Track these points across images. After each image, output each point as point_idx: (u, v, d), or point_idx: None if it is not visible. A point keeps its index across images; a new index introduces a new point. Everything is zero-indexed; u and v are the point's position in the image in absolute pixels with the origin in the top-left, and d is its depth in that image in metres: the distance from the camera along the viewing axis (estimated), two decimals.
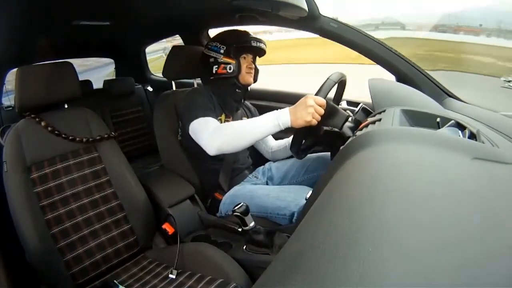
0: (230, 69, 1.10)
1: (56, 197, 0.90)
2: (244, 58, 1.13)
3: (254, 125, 0.89)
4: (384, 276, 0.22)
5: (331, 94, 0.99)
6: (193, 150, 1.05)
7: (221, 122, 1.11)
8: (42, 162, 0.90)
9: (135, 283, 0.87)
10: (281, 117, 0.85)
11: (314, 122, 0.83)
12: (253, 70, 1.15)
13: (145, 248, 1.02)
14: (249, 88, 1.18)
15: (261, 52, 1.16)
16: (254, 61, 1.17)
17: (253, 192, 1.02)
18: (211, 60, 1.13)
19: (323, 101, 0.83)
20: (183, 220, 1.02)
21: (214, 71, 1.12)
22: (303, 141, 0.96)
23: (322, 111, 0.83)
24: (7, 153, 0.87)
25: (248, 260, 0.85)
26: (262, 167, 1.25)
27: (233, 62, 1.10)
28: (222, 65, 1.11)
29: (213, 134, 0.92)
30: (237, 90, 1.14)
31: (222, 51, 1.11)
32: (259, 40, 1.12)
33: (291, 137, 0.98)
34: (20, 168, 0.86)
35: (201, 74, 1.21)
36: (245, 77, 1.13)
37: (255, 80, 1.18)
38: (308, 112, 0.81)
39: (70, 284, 0.86)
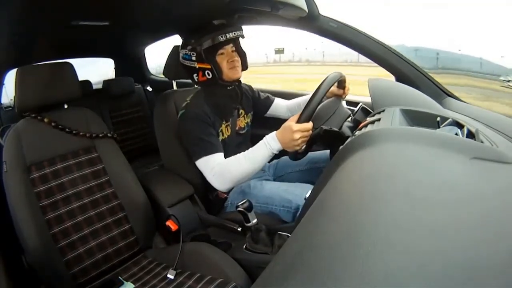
0: (208, 75, 1.03)
1: (58, 197, 0.90)
2: (222, 54, 1.03)
3: (253, 161, 0.92)
4: (384, 275, 0.22)
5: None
6: None
7: (223, 134, 1.09)
8: (42, 162, 0.90)
9: (135, 282, 0.87)
10: (273, 146, 0.88)
11: (304, 145, 0.85)
12: (237, 61, 1.06)
13: (145, 247, 1.02)
14: (241, 79, 1.12)
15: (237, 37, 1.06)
16: (236, 48, 1.08)
17: (262, 185, 1.06)
18: (189, 69, 1.07)
19: (308, 126, 0.83)
20: (183, 220, 1.02)
21: (196, 80, 1.08)
22: None
23: (309, 133, 0.84)
24: (7, 153, 0.87)
25: (248, 260, 0.85)
26: (268, 164, 1.25)
27: (209, 66, 1.02)
28: (200, 72, 1.04)
29: (218, 177, 0.97)
30: (228, 88, 1.09)
31: (194, 58, 1.03)
32: (227, 31, 1.01)
33: (305, 97, 0.99)
34: (20, 168, 0.86)
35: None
36: (229, 73, 1.04)
37: (245, 67, 1.11)
38: (296, 144, 0.83)
39: (70, 284, 0.86)
